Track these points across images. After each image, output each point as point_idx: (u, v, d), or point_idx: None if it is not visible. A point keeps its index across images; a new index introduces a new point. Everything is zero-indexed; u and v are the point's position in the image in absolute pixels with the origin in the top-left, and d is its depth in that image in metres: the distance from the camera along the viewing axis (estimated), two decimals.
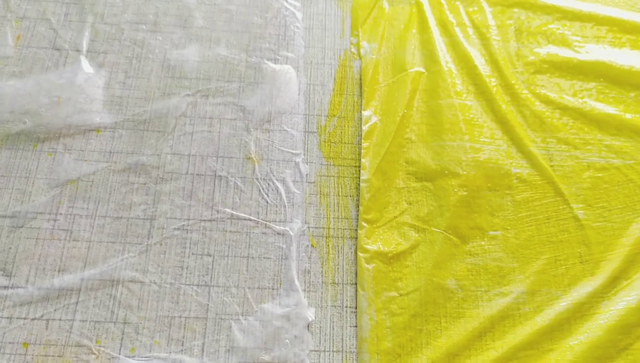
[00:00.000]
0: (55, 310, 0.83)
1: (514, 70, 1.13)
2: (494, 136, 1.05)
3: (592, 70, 1.14)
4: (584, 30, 1.20)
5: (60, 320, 0.83)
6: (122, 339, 0.82)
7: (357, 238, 0.94)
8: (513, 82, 1.11)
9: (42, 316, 0.82)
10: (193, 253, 0.90)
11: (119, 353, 0.81)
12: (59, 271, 0.86)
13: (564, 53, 1.16)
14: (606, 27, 1.20)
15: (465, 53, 1.14)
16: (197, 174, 0.96)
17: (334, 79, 1.09)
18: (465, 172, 1.00)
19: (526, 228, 0.97)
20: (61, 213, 0.90)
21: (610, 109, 1.09)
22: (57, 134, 0.96)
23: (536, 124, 1.07)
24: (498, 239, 0.96)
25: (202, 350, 0.83)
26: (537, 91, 1.11)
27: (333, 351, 0.85)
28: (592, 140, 1.06)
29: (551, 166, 1.03)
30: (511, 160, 1.03)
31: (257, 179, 0.97)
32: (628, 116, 1.08)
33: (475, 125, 1.06)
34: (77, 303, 0.84)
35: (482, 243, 0.95)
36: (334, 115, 1.05)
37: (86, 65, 1.03)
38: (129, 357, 0.81)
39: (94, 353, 0.81)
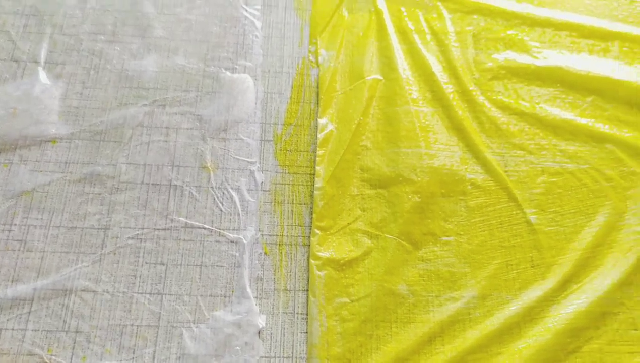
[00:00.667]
0: (7, 320, 0.84)
1: (472, 77, 1.14)
2: (449, 143, 1.06)
3: (550, 76, 1.15)
4: (543, 35, 1.21)
5: (12, 329, 0.84)
6: (73, 348, 0.84)
7: (310, 245, 0.95)
8: (470, 88, 1.12)
9: None
10: (146, 262, 0.91)
11: (71, 362, 0.83)
12: (12, 281, 0.87)
13: (522, 59, 1.17)
14: (565, 32, 1.21)
15: (423, 60, 1.15)
16: (152, 184, 0.97)
17: (292, 87, 1.10)
18: (419, 179, 1.02)
19: (479, 234, 0.98)
20: (15, 224, 0.91)
21: (565, 114, 1.10)
22: (13, 146, 0.97)
23: (492, 130, 1.08)
24: (451, 245, 0.97)
25: (153, 358, 0.84)
26: (494, 97, 1.12)
27: (283, 357, 0.87)
28: (547, 146, 1.07)
29: (505, 171, 1.04)
30: (466, 166, 1.04)
31: (212, 187, 0.98)
32: (583, 121, 1.09)
33: (431, 132, 1.07)
34: (29, 312, 0.85)
35: (435, 249, 0.97)
36: (291, 124, 1.07)
37: (43, 77, 1.04)
38: None
39: (46, 362, 0.82)
